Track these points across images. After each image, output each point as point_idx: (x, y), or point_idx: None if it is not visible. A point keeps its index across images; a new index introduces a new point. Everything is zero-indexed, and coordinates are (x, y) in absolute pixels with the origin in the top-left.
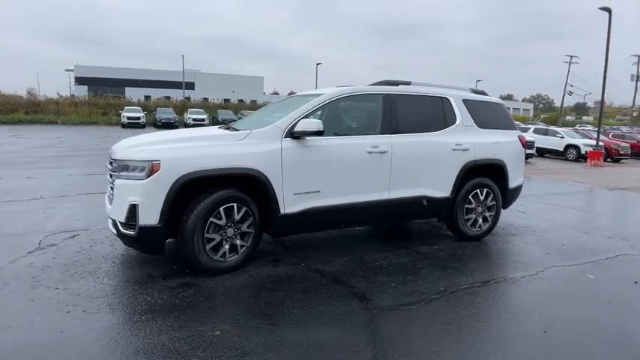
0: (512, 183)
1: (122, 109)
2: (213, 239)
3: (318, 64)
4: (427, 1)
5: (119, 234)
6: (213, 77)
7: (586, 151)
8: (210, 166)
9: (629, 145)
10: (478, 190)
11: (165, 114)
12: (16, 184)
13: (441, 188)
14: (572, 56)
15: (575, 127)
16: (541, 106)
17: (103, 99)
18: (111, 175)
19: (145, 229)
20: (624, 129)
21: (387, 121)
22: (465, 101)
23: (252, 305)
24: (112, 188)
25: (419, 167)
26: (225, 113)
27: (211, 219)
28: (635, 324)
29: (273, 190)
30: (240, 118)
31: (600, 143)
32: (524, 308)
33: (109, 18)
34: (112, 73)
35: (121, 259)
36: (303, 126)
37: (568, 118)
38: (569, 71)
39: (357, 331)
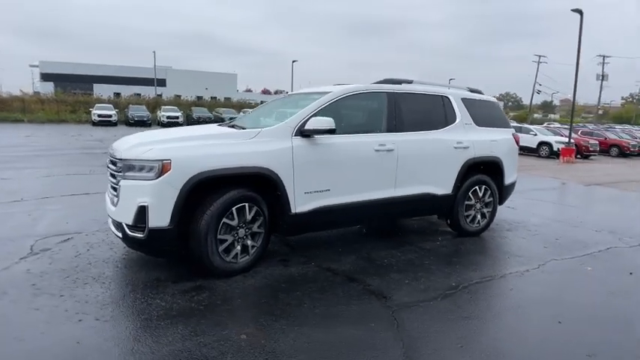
0: (508, 179)
1: (92, 107)
2: (226, 240)
3: (293, 61)
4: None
5: (125, 237)
6: (186, 74)
7: (558, 148)
8: (222, 165)
9: (597, 142)
10: (477, 187)
11: (137, 112)
12: None
13: (443, 185)
14: (540, 56)
15: (547, 125)
16: (510, 104)
17: (71, 96)
18: (114, 176)
19: (155, 232)
20: (591, 126)
21: (392, 119)
22: (464, 100)
23: (272, 306)
24: (115, 189)
25: (423, 165)
26: (199, 111)
27: (224, 219)
28: (635, 314)
29: (285, 189)
30: (234, 117)
31: (571, 140)
32: (535, 301)
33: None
34: (79, 69)
35: (124, 263)
36: (314, 124)
37: (535, 116)
38: (537, 70)
39: (382, 328)
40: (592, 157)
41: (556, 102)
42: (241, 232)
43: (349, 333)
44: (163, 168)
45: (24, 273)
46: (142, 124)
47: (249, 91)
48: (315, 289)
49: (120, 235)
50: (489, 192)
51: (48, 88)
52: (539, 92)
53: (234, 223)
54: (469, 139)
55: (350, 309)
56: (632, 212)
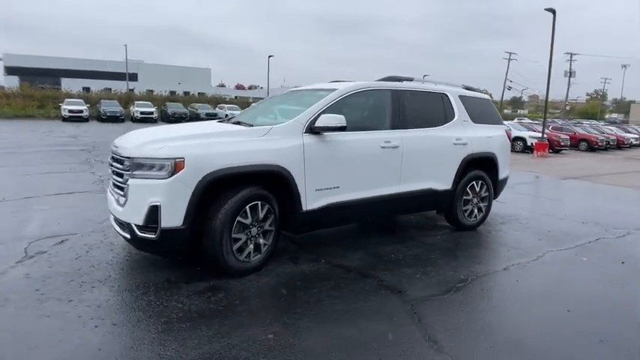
0: (502, 174)
1: (61, 102)
2: (240, 239)
3: (270, 56)
4: None
5: (134, 238)
6: (158, 68)
7: (532, 143)
8: (236, 162)
9: (568, 137)
10: (474, 182)
11: (110, 107)
12: None
13: (444, 181)
14: (511, 53)
15: (520, 120)
16: None
17: (38, 90)
18: (120, 175)
19: (168, 232)
20: (560, 122)
21: (396, 116)
22: (461, 97)
23: (292, 304)
24: (120, 188)
25: (425, 161)
26: (174, 106)
27: (238, 218)
28: (636, 300)
29: (297, 186)
30: (212, 113)
31: (544, 135)
32: (541, 291)
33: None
34: (46, 62)
35: (129, 265)
36: (324, 121)
37: (505, 111)
38: (508, 67)
39: (405, 323)
40: (563, 152)
41: (525, 98)
42: (254, 230)
43: (374, 328)
44: (176, 166)
45: (23, 278)
46: (114, 119)
47: (222, 86)
48: (330, 286)
49: (128, 236)
50: (485, 187)
51: (13, 82)
52: (509, 89)
53: (248, 221)
54: (467, 135)
55: (369, 304)
56: (611, 204)
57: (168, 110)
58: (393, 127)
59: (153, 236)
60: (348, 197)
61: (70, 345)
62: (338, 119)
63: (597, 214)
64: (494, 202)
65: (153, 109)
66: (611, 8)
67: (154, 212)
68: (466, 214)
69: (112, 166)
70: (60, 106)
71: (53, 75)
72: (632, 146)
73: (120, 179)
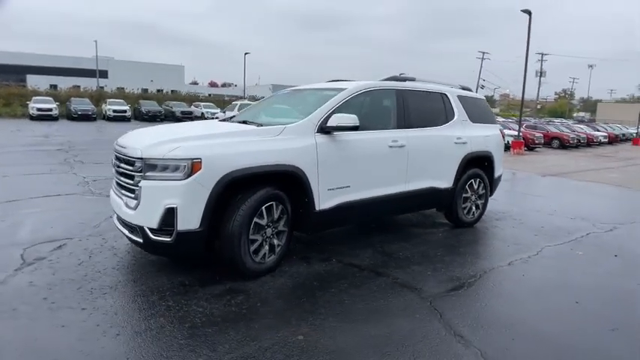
0: (497, 172)
1: (29, 100)
2: (256, 240)
3: (246, 53)
4: None
5: (147, 242)
6: (129, 65)
7: (508, 141)
8: (254, 163)
9: (542, 135)
10: (472, 180)
11: (81, 105)
12: None
13: (446, 179)
14: (484, 52)
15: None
16: None
17: (3, 88)
18: (130, 176)
19: (184, 235)
20: (532, 120)
21: (401, 116)
22: (460, 97)
23: (315, 305)
24: (130, 190)
25: (429, 160)
26: (148, 104)
27: (255, 219)
28: (636, 289)
29: (310, 186)
30: (187, 111)
31: (520, 133)
32: (547, 284)
33: None
34: (9, 58)
35: (137, 269)
36: (337, 121)
37: None
38: (481, 66)
39: (428, 319)
40: (537, 149)
41: (496, 97)
42: (269, 231)
43: (399, 326)
44: (193, 167)
45: (27, 286)
46: (86, 118)
47: (195, 83)
48: (348, 285)
49: (139, 240)
50: (482, 184)
51: None
52: (482, 87)
53: (264, 222)
54: (467, 134)
55: (390, 302)
56: (592, 200)
57: (141, 108)
58: (399, 126)
59: (168, 239)
60: (358, 196)
61: (94, 356)
62: (351, 119)
63: (582, 209)
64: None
65: (126, 107)
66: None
67: (169, 215)
68: (465, 212)
69: (119, 167)
70: (27, 104)
71: (17, 72)
72: (600, 144)
73: (130, 181)
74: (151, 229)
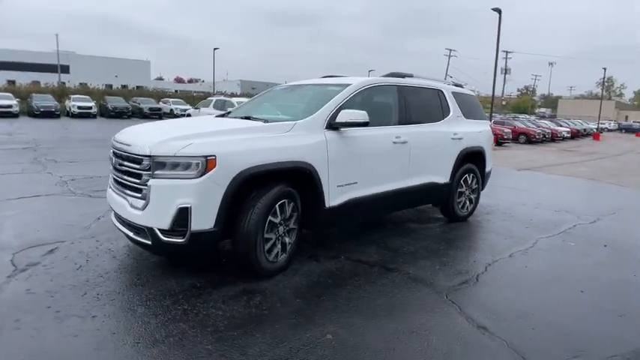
0: (488, 167)
1: None
2: (270, 239)
3: (215, 49)
4: None
5: (157, 244)
6: (92, 60)
7: None
8: (268, 160)
9: (510, 131)
10: (467, 175)
11: (43, 102)
12: None
13: (443, 175)
14: (451, 50)
15: None
16: None
17: None
18: (136, 175)
19: (198, 235)
20: (499, 116)
21: (402, 112)
22: (454, 94)
23: (335, 303)
24: (136, 190)
25: (429, 156)
26: (115, 100)
27: (269, 217)
28: (633, 278)
29: (321, 183)
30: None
31: None
32: (550, 275)
33: None
34: None
35: (142, 272)
36: (346, 117)
37: None
38: (448, 64)
39: (449, 313)
40: (505, 145)
41: None
42: (281, 229)
43: (423, 321)
44: (208, 165)
45: (26, 294)
46: (49, 115)
47: (160, 79)
48: (363, 282)
49: (147, 242)
50: (476, 179)
51: None
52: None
53: (277, 220)
54: (462, 130)
55: (407, 298)
56: (570, 193)
57: (108, 105)
58: (401, 122)
59: (181, 240)
60: (365, 193)
61: None
62: (361, 115)
63: (562, 202)
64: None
65: (91, 104)
66: (540, 9)
67: (183, 215)
68: (460, 206)
69: (122, 165)
70: None
71: None
72: (564, 139)
73: (136, 180)
74: (162, 230)
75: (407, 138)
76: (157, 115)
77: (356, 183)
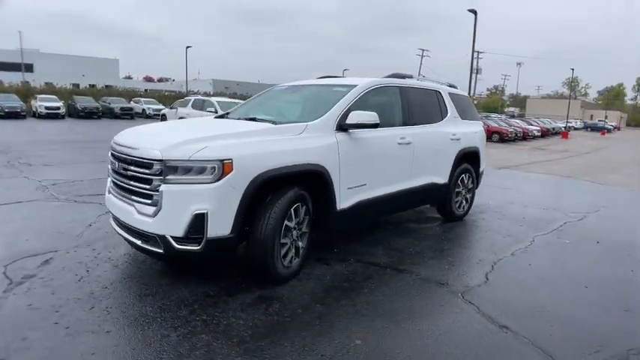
0: (482, 167)
1: None
2: (286, 244)
3: (187, 47)
4: None
5: (170, 252)
6: (57, 58)
7: None
8: (285, 162)
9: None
10: (463, 175)
11: (8, 102)
12: None
13: (443, 175)
14: (423, 50)
15: None
16: None
17: None
18: (146, 180)
19: (215, 242)
20: None
21: (405, 113)
22: (450, 95)
23: (355, 307)
24: (145, 196)
25: (431, 156)
26: (84, 100)
27: (285, 222)
28: (631, 273)
29: (333, 185)
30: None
31: None
32: (553, 271)
33: None
34: None
35: (149, 282)
36: (357, 118)
37: None
38: (421, 63)
39: (468, 313)
40: None
41: None
42: (294, 233)
43: (446, 322)
44: (225, 169)
45: (28, 309)
46: (14, 116)
47: (129, 78)
48: (377, 285)
49: (159, 250)
50: (471, 179)
51: None
52: None
53: (292, 224)
54: (459, 131)
55: (424, 299)
56: (552, 191)
57: (77, 105)
58: (404, 123)
59: (196, 248)
60: (373, 194)
61: None
62: (372, 116)
63: (548, 200)
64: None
65: (59, 104)
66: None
67: (199, 221)
68: (457, 206)
69: (127, 169)
70: None
71: None
72: (534, 137)
73: (144, 185)
74: (176, 238)
75: (411, 139)
76: (128, 115)
77: (365, 185)
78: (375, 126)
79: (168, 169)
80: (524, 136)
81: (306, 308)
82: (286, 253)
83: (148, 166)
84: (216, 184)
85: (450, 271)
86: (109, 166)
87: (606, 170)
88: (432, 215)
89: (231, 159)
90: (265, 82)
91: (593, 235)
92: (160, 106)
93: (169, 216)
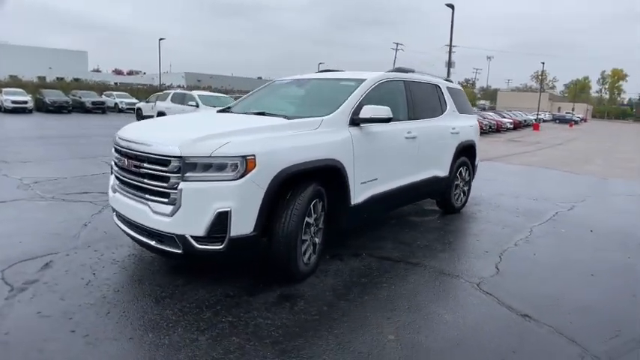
0: (477, 160)
1: None
2: (306, 240)
3: (160, 39)
4: None
5: (190, 252)
6: (21, 50)
7: None
8: (306, 158)
9: None
10: (462, 168)
11: None
12: None
13: (444, 168)
14: (398, 43)
15: None
16: None
17: None
18: (163, 178)
19: (238, 241)
20: None
21: (410, 107)
22: (449, 89)
23: (380, 302)
24: (162, 195)
25: (434, 150)
26: (53, 94)
27: (306, 218)
28: (628, 260)
29: (348, 180)
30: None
31: None
32: (558, 260)
33: None
34: None
35: (163, 284)
36: (370, 112)
37: None
38: (395, 57)
39: (490, 304)
40: None
41: None
42: (312, 229)
43: (470, 314)
44: (248, 165)
45: (38, 317)
46: None
47: (97, 71)
48: (395, 279)
49: (177, 251)
50: (468, 172)
51: None
52: None
53: (311, 220)
54: (458, 124)
55: (443, 291)
56: (537, 182)
57: (45, 99)
58: (409, 117)
59: (219, 247)
60: (384, 188)
61: None
62: (384, 110)
63: (535, 191)
64: None
65: (27, 98)
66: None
67: (222, 220)
68: (455, 198)
69: (138, 167)
70: None
71: None
72: (507, 130)
73: (161, 183)
74: (196, 238)
75: (416, 133)
76: (100, 109)
77: (376, 179)
78: (388, 120)
79: (188, 165)
80: (498, 129)
81: (332, 305)
82: (305, 249)
83: (165, 163)
84: (240, 181)
85: (460, 263)
86: (113, 163)
87: (581, 161)
88: (430, 208)
89: (254, 155)
90: (239, 75)
91: (585, 224)
92: (134, 100)
93: (189, 215)
